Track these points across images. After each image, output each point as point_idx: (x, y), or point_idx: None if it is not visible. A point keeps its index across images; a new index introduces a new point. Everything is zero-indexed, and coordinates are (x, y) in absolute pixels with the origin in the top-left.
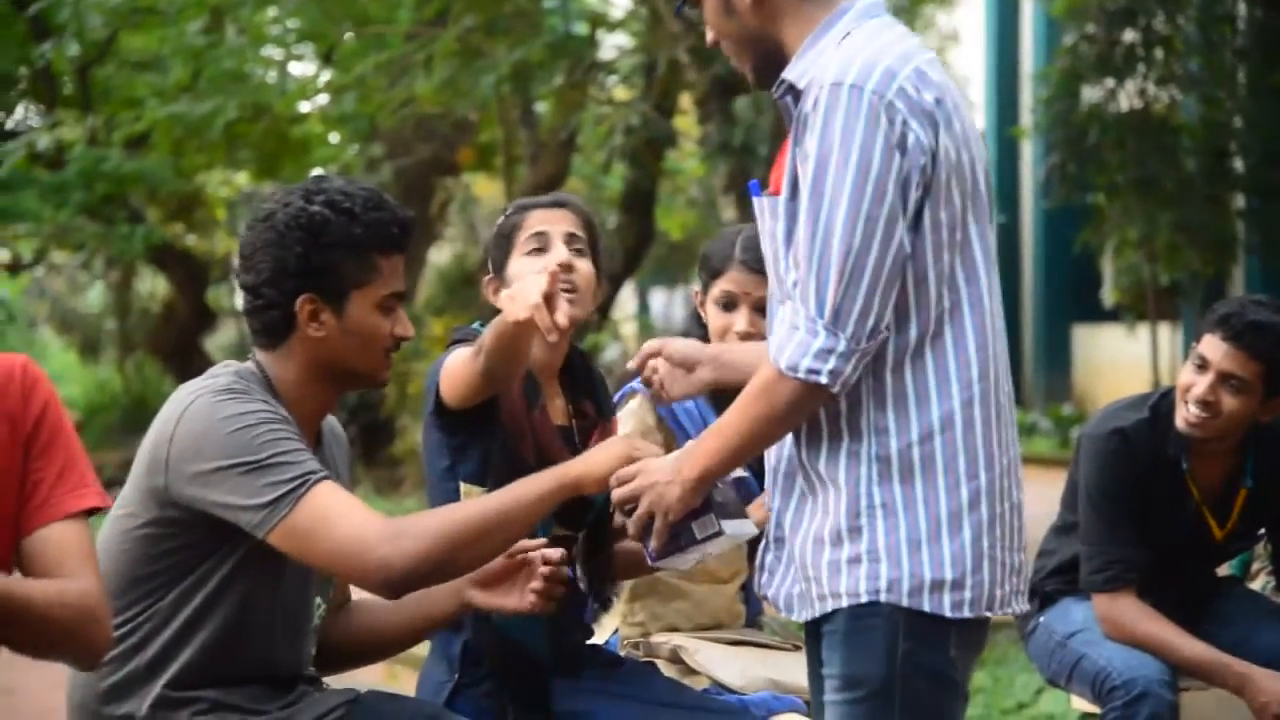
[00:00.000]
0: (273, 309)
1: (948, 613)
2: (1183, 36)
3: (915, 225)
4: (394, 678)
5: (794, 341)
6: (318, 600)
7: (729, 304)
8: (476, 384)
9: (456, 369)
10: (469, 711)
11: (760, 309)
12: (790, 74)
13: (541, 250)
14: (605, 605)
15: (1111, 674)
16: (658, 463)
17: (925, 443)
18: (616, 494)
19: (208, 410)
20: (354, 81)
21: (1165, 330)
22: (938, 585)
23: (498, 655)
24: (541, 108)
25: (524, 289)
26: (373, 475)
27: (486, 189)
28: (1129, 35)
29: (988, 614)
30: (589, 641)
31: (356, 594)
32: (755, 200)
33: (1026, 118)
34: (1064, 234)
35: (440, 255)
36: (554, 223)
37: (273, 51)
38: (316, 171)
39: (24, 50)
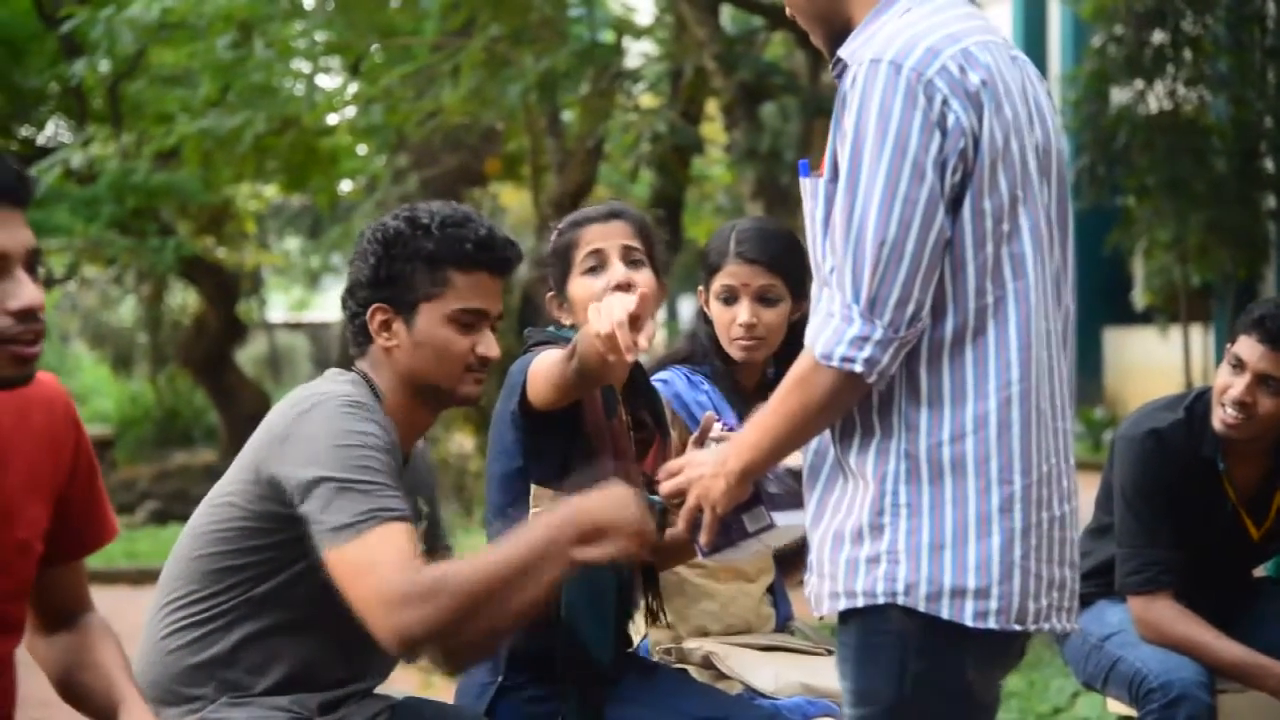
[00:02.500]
0: (354, 319)
1: (969, 622)
2: (1212, 37)
3: (953, 211)
4: (429, 686)
5: (829, 329)
6: None
7: (729, 297)
8: (568, 386)
9: (547, 370)
10: (510, 715)
11: (760, 299)
12: (844, 51)
13: (598, 269)
14: (655, 618)
15: (1148, 677)
16: (704, 454)
17: (956, 442)
18: (664, 487)
19: (327, 417)
20: (381, 93)
21: (1197, 332)
22: (959, 592)
23: (563, 657)
24: (568, 116)
25: (609, 306)
26: None
27: (514, 198)
28: (1158, 36)
29: (1016, 628)
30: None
31: None
32: (802, 181)
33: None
34: (1094, 236)
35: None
36: (610, 237)
37: (300, 64)
38: (345, 183)
39: (55, 67)
